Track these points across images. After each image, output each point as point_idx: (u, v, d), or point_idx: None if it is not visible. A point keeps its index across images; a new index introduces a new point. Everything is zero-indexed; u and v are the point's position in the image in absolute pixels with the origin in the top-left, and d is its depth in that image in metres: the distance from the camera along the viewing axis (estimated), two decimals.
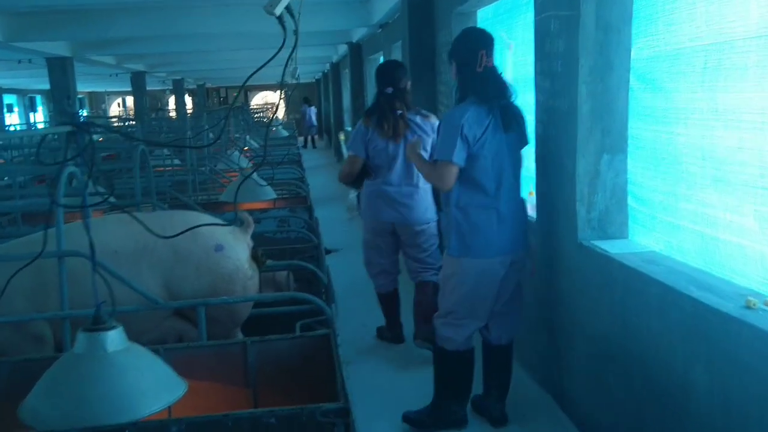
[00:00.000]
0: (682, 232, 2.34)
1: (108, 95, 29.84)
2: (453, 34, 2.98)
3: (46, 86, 11.54)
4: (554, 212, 2.97)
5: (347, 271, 5.08)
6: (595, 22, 2.57)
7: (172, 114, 16.19)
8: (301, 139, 16.80)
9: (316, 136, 20.90)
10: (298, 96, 20.27)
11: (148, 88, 16.59)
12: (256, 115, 14.08)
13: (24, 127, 18.26)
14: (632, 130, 2.63)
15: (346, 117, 14.16)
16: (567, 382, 2.99)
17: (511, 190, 2.78)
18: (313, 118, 20.54)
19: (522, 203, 2.85)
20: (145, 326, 2.36)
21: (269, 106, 21.58)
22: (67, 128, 1.70)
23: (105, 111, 28.08)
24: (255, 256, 2.55)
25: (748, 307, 1.84)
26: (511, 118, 2.74)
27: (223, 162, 5.47)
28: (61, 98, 10.65)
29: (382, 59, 8.87)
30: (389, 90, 3.65)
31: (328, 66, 17.42)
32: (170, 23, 8.19)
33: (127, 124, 11.54)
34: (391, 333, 4.05)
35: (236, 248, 2.48)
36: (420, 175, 3.64)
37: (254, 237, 2.64)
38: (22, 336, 2.31)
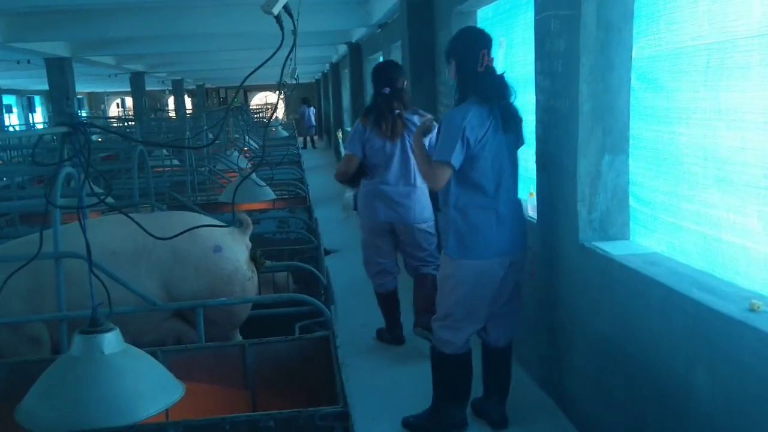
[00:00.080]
0: (684, 233, 2.32)
1: (107, 96, 29.84)
2: (453, 34, 2.96)
3: (45, 87, 11.51)
4: (555, 213, 2.95)
5: (347, 271, 5.06)
6: (596, 21, 2.56)
7: (172, 114, 16.17)
8: (300, 139, 16.78)
9: (315, 137, 20.89)
10: (297, 96, 20.24)
11: (147, 89, 16.58)
12: (255, 116, 14.07)
13: (23, 127, 18.25)
14: (634, 130, 2.61)
15: (346, 117, 14.15)
16: (568, 384, 2.98)
17: (510, 190, 2.76)
18: (312, 118, 20.53)
19: (520, 204, 2.83)
20: (143, 328, 2.35)
21: (269, 107, 21.57)
22: (63, 129, 1.68)
23: (104, 111, 28.06)
24: (254, 257, 2.53)
25: (751, 310, 1.82)
26: (510, 118, 2.72)
27: (222, 162, 5.46)
28: (59, 99, 10.65)
29: (381, 59, 8.86)
30: (386, 90, 3.66)
31: (327, 66, 17.41)
32: (169, 23, 8.18)
33: (125, 124, 11.52)
34: (390, 334, 4.03)
35: (235, 249, 2.46)
36: (417, 174, 3.63)
37: (253, 238, 2.62)
38: (18, 338, 2.29)
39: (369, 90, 10.46)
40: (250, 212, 3.56)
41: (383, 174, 3.73)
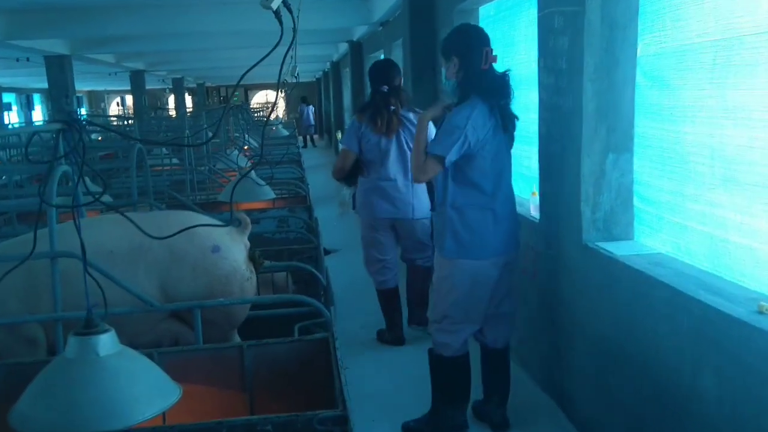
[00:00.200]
0: (690, 234, 2.29)
1: (107, 94, 29.83)
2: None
3: (45, 85, 11.48)
4: (558, 213, 2.92)
5: (347, 271, 5.03)
6: (601, 17, 2.52)
7: (172, 113, 16.15)
8: (300, 138, 16.76)
9: (315, 136, 20.86)
10: (297, 95, 20.22)
11: (147, 87, 16.56)
12: (256, 114, 14.04)
13: (23, 125, 18.22)
14: (638, 129, 2.58)
15: (347, 116, 14.11)
16: (570, 386, 2.94)
17: (507, 190, 2.74)
18: (311, 117, 20.49)
19: (515, 203, 2.81)
20: (139, 329, 2.32)
21: (269, 105, 21.54)
22: (58, 126, 1.65)
23: (104, 110, 28.06)
24: (252, 257, 2.50)
25: (759, 312, 1.79)
26: (508, 118, 2.70)
27: (222, 161, 5.43)
28: (59, 97, 10.62)
29: (382, 57, 8.83)
30: (384, 88, 3.72)
31: (328, 65, 17.38)
32: (169, 21, 8.15)
33: (124, 122, 11.49)
34: (390, 334, 4.01)
35: (233, 249, 2.43)
36: None
37: (253, 237, 2.59)
38: (14, 339, 2.26)
39: (369, 88, 10.42)
40: (249, 211, 3.54)
41: (380, 170, 3.77)
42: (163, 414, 1.62)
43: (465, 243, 2.67)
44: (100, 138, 7.96)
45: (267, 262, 2.60)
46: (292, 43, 1.58)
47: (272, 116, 9.47)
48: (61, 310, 2.07)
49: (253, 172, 3.77)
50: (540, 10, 2.98)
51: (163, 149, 6.38)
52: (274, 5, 1.57)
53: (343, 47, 12.45)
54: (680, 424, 2.11)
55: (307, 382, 2.00)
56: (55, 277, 2.05)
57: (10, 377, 1.87)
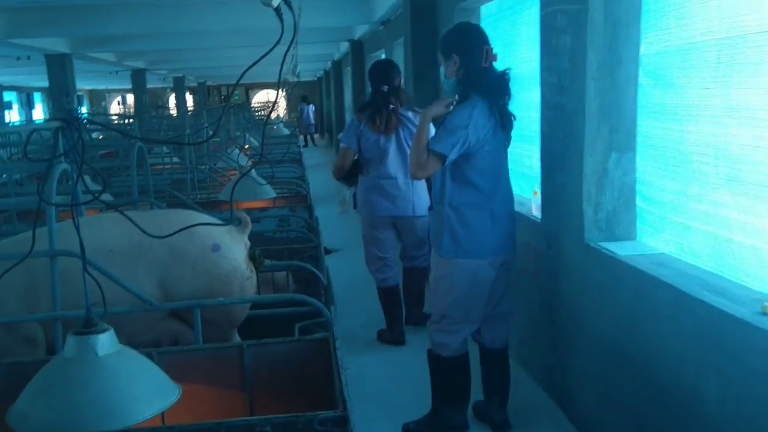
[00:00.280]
0: (693, 234, 2.27)
1: (108, 93, 29.85)
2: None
3: (46, 83, 11.48)
4: (560, 212, 2.90)
5: (347, 271, 5.02)
6: (604, 16, 2.51)
7: (173, 112, 16.14)
8: (301, 137, 16.74)
9: (316, 135, 20.83)
10: (298, 94, 20.21)
11: (148, 86, 16.57)
12: (257, 114, 14.03)
13: (23, 124, 18.22)
14: (641, 128, 2.57)
15: (348, 115, 14.10)
16: (571, 387, 2.93)
17: (505, 189, 2.73)
18: (311, 116, 20.45)
19: (513, 203, 2.79)
20: (139, 328, 2.31)
21: (270, 104, 21.53)
22: (57, 123, 1.64)
23: (105, 108, 28.06)
24: (253, 256, 2.49)
25: (763, 313, 1.78)
26: (506, 117, 2.68)
27: (222, 160, 5.42)
28: (60, 95, 10.61)
29: (384, 56, 8.82)
30: (385, 88, 3.77)
31: (329, 64, 17.37)
32: (170, 20, 8.15)
33: (125, 121, 11.48)
34: (391, 334, 4.00)
35: (233, 248, 2.42)
36: None
37: (253, 236, 2.58)
38: (13, 338, 2.25)
39: (369, 88, 10.41)
40: (250, 210, 3.52)
41: (380, 168, 3.80)
42: (163, 414, 1.61)
43: (463, 242, 2.66)
44: (101, 137, 7.96)
45: (267, 262, 2.59)
46: (292, 40, 1.57)
47: (273, 115, 9.45)
48: (60, 309, 2.06)
49: (253, 170, 3.76)
50: (543, 8, 2.97)
51: (164, 148, 6.37)
52: (275, 2, 1.56)
53: (344, 46, 12.43)
54: (682, 425, 2.10)
55: (307, 382, 1.99)
56: (55, 275, 2.04)
57: (8, 377, 1.85)
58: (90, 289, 1.42)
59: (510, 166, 2.80)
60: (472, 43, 2.64)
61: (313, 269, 2.63)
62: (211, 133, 4.38)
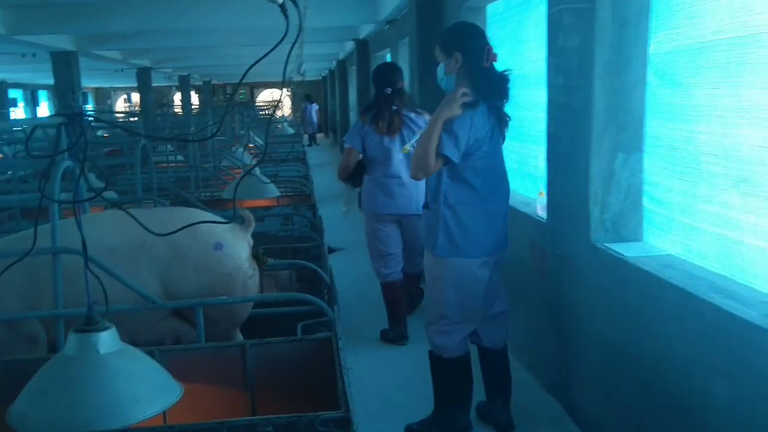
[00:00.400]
0: (701, 235, 2.25)
1: (114, 91, 29.93)
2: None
3: (51, 81, 11.49)
4: (566, 213, 2.88)
5: (351, 270, 5.01)
6: (612, 14, 2.48)
7: (178, 110, 16.17)
8: (306, 136, 16.73)
9: (320, 135, 20.81)
10: (301, 93, 20.22)
11: (154, 85, 16.58)
12: (262, 113, 14.04)
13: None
14: (649, 128, 2.54)
15: (353, 115, 14.08)
16: (577, 389, 2.91)
17: (501, 189, 2.72)
18: (314, 115, 20.39)
19: (508, 203, 2.78)
20: (141, 326, 2.30)
21: (275, 103, 21.55)
22: (59, 119, 1.63)
23: (111, 106, 28.14)
24: (256, 255, 2.48)
25: None
26: (502, 118, 2.67)
27: (227, 158, 5.42)
28: (65, 93, 10.62)
29: (389, 57, 8.80)
30: (388, 90, 3.84)
31: (334, 63, 17.35)
32: (175, 17, 8.15)
33: (130, 119, 11.49)
34: (394, 332, 4.00)
35: (236, 246, 2.41)
36: None
37: (257, 235, 2.57)
38: (14, 336, 2.24)
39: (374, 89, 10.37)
40: (253, 209, 3.51)
41: (384, 168, 3.85)
42: (164, 413, 1.60)
43: (457, 241, 2.64)
44: (106, 134, 7.97)
45: (270, 260, 2.58)
46: (297, 38, 1.55)
47: (278, 114, 9.45)
48: (62, 307, 2.05)
49: (257, 169, 3.75)
50: (550, 7, 2.94)
51: (169, 146, 6.37)
52: None
53: (350, 45, 12.41)
54: (688, 427, 2.07)
55: (309, 382, 1.98)
56: (57, 273, 2.03)
57: (8, 375, 1.85)
58: (92, 287, 1.40)
59: (516, 166, 2.78)
60: (474, 42, 2.61)
61: (317, 268, 2.62)
62: (215, 129, 4.38)
